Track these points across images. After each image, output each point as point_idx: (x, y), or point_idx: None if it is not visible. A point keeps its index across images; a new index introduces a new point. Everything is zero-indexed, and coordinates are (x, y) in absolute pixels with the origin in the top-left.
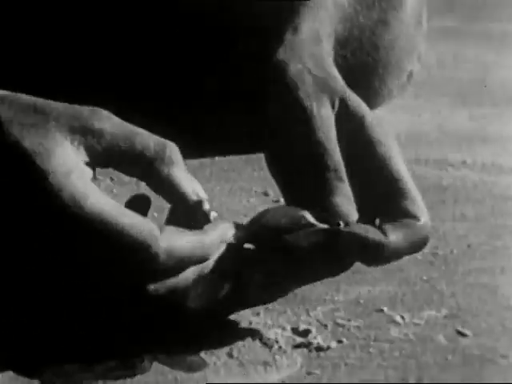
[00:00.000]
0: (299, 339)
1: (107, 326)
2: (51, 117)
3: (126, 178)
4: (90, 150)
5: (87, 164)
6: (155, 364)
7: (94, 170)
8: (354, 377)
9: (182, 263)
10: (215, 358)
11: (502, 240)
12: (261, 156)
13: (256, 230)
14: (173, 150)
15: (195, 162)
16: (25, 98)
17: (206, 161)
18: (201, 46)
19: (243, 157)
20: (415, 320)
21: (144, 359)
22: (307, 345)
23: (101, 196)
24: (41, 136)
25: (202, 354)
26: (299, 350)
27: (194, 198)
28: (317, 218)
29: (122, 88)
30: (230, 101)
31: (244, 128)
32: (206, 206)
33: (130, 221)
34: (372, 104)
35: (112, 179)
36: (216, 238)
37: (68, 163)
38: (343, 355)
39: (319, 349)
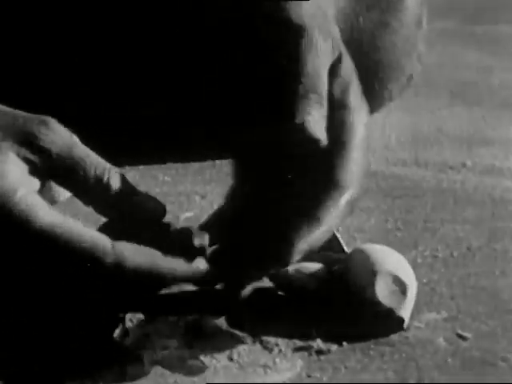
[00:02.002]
0: (299, 342)
1: (106, 330)
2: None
3: None
4: (34, 163)
5: (32, 175)
6: (155, 367)
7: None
8: (354, 379)
9: (132, 281)
10: (215, 361)
11: (502, 243)
12: None
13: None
14: (112, 174)
15: (196, 164)
16: None
17: (207, 164)
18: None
19: None
20: (415, 323)
21: (144, 362)
22: (307, 348)
23: (49, 210)
24: None
25: (202, 357)
26: (299, 353)
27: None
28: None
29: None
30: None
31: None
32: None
33: (80, 233)
34: (372, 106)
35: None
36: (177, 266)
37: (14, 179)
38: (343, 358)
39: (319, 352)
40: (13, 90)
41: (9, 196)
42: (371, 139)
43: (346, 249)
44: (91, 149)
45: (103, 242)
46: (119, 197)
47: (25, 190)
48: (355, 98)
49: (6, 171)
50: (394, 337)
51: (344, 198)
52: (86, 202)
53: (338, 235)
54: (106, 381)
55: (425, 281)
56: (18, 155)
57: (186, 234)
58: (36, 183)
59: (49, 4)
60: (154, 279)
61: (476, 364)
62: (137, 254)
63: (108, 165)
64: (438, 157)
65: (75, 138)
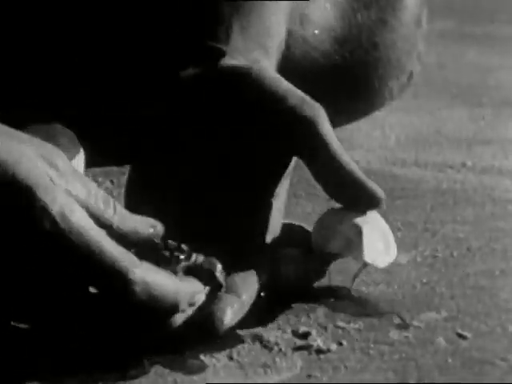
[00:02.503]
0: (299, 341)
1: (106, 329)
2: (24, 140)
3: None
4: (53, 182)
5: None
6: (155, 366)
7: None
8: (353, 379)
9: (154, 301)
10: (215, 361)
11: (502, 243)
12: None
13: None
14: (116, 203)
15: None
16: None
17: None
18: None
19: None
20: (415, 322)
21: (144, 362)
22: (307, 347)
23: (86, 217)
24: (14, 151)
25: (202, 357)
26: (299, 353)
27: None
28: None
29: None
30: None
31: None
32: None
33: (112, 246)
34: (373, 105)
35: (112, 182)
36: (190, 291)
37: (49, 182)
38: (343, 357)
39: (319, 351)
40: (13, 90)
41: (51, 191)
42: (371, 139)
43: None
44: (91, 148)
45: (133, 258)
46: (125, 222)
47: (62, 189)
48: (282, 187)
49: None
50: (394, 336)
51: None
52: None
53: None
54: (105, 380)
55: (425, 281)
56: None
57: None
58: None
59: (48, 4)
60: (171, 306)
61: (476, 363)
62: (162, 276)
63: (109, 196)
64: (437, 157)
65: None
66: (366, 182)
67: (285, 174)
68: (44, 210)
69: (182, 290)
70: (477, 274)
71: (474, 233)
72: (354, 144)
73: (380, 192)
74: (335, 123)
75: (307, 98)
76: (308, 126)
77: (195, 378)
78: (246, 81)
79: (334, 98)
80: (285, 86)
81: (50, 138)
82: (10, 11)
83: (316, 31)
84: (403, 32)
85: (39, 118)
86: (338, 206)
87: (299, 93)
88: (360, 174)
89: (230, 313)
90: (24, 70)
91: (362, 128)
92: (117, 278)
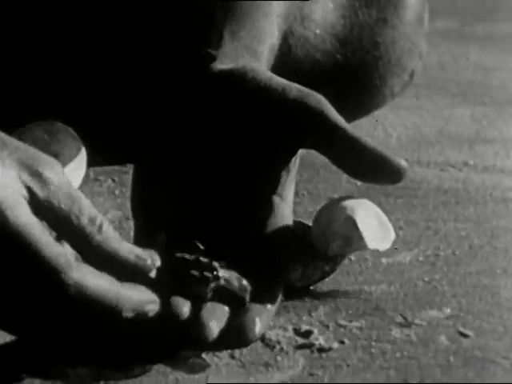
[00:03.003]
0: (301, 340)
1: (108, 328)
2: (8, 147)
3: (128, 180)
4: (31, 192)
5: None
6: (157, 365)
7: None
8: (355, 378)
9: (90, 304)
10: (217, 359)
11: (504, 241)
12: None
13: None
14: (104, 223)
15: None
16: None
17: None
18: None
19: None
20: (417, 321)
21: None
22: (309, 346)
23: (29, 214)
24: None
25: (204, 355)
26: (301, 351)
27: (132, 257)
28: None
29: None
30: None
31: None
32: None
33: (51, 244)
34: (374, 103)
35: (113, 180)
36: (135, 298)
37: (7, 180)
38: (345, 356)
39: (321, 350)
40: (14, 89)
41: None
42: (373, 138)
43: None
44: (92, 147)
45: (70, 259)
46: (107, 244)
47: (14, 190)
48: (289, 191)
49: (2, 173)
50: (396, 335)
51: None
52: (73, 245)
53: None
54: (107, 378)
55: (427, 279)
56: (20, 177)
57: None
58: (25, 204)
59: (48, 5)
60: (110, 310)
61: (478, 362)
62: (99, 277)
63: (100, 214)
64: (439, 156)
65: (72, 186)
66: (387, 155)
67: (290, 176)
68: None
69: (122, 297)
70: (479, 273)
71: (476, 231)
72: None
73: (403, 162)
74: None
75: (304, 88)
76: (316, 114)
77: (197, 376)
78: (242, 82)
79: (335, 97)
80: (280, 81)
81: (51, 135)
82: (10, 11)
83: (317, 31)
84: (404, 31)
85: (40, 117)
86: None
87: (296, 85)
88: (380, 148)
89: (259, 322)
90: (25, 69)
91: (363, 127)
92: (50, 278)
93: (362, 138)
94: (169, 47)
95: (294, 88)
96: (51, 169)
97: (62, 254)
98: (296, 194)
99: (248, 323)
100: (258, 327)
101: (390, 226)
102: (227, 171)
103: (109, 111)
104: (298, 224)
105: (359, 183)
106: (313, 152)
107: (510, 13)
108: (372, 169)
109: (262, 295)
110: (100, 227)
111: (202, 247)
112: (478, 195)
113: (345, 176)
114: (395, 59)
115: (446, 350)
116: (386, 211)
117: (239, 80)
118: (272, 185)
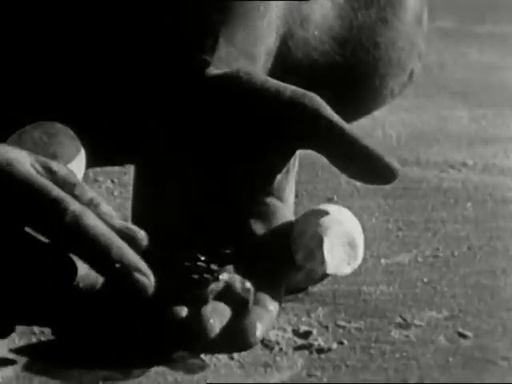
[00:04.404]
0: (300, 341)
1: (107, 329)
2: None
3: (127, 180)
4: (39, 171)
5: None
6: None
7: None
8: (354, 378)
9: (83, 239)
10: (216, 360)
11: (503, 242)
12: None
13: None
14: (102, 203)
15: None
16: None
17: None
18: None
19: None
20: (416, 322)
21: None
22: (308, 346)
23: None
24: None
25: (203, 356)
26: (300, 352)
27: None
28: None
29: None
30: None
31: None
32: None
33: (50, 186)
34: (373, 104)
35: (112, 181)
36: (129, 254)
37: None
38: (344, 357)
39: (320, 350)
40: (13, 90)
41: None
42: (372, 138)
43: None
44: (92, 148)
45: (69, 199)
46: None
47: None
48: (290, 192)
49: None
50: (395, 336)
51: None
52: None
53: None
54: (106, 379)
55: (426, 280)
56: (32, 164)
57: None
58: None
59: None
60: (105, 248)
61: (477, 363)
62: (99, 222)
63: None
64: (438, 156)
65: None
66: (381, 156)
67: (289, 178)
68: None
69: (115, 243)
70: (478, 273)
71: (475, 232)
72: None
73: (396, 164)
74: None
75: (299, 89)
76: (311, 113)
77: (196, 377)
78: (236, 86)
79: (335, 98)
80: (275, 83)
81: (50, 136)
82: (11, 11)
83: (316, 32)
84: (404, 31)
85: (40, 117)
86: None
87: (290, 86)
88: (375, 148)
89: (261, 326)
90: (25, 69)
91: (362, 127)
92: (49, 207)
93: (357, 135)
94: (164, 51)
95: (289, 89)
96: (59, 166)
97: (62, 194)
98: (295, 194)
99: (249, 327)
100: (260, 331)
101: (360, 246)
102: (225, 175)
103: (108, 112)
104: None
105: (358, 184)
106: (312, 153)
107: (509, 13)
108: (366, 168)
109: (264, 298)
110: (97, 205)
111: (202, 258)
112: (478, 195)
113: (344, 177)
114: (395, 59)
115: (445, 350)
116: (384, 212)
117: (233, 84)
118: (271, 187)
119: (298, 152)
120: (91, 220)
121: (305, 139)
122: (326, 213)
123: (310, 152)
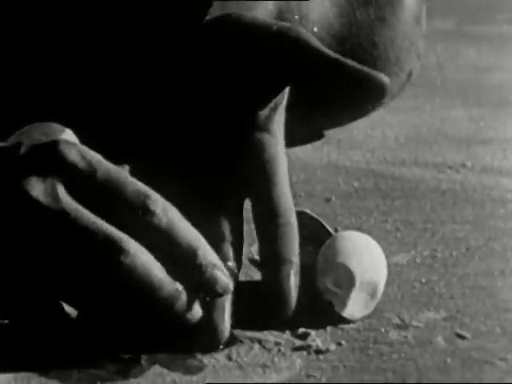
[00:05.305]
0: (298, 342)
1: (106, 329)
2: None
3: None
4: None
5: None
6: (154, 366)
7: None
8: (353, 379)
9: (142, 278)
10: (214, 361)
11: (501, 243)
12: None
13: None
14: (153, 197)
15: None
16: None
17: None
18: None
19: None
20: (414, 322)
21: (142, 362)
22: (306, 347)
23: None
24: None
25: (201, 357)
26: (298, 353)
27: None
28: None
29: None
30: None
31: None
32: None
33: (102, 224)
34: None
35: None
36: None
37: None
38: (342, 358)
39: (318, 351)
40: (12, 90)
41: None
42: (370, 139)
43: (331, 231)
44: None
45: (121, 235)
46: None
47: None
48: (278, 126)
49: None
50: (393, 336)
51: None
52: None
53: (322, 221)
54: (103, 380)
55: (424, 281)
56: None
57: None
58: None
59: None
60: (157, 285)
61: (475, 364)
62: (151, 261)
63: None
64: (437, 157)
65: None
66: (369, 71)
67: (277, 112)
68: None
69: (164, 280)
70: (476, 274)
71: (474, 233)
72: (354, 144)
73: (385, 77)
74: (335, 122)
75: (285, 23)
76: (299, 43)
77: (194, 378)
78: (228, 26)
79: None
80: (262, 19)
81: (48, 137)
82: (10, 11)
83: (315, 29)
84: (402, 30)
85: (40, 117)
86: (344, 233)
87: (276, 21)
88: (361, 65)
89: (293, 283)
90: (24, 69)
91: (361, 127)
92: (107, 248)
93: (342, 57)
94: (159, 11)
95: (275, 23)
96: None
97: (115, 230)
98: (294, 195)
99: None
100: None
101: (379, 296)
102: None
103: (108, 112)
104: (301, 214)
105: (356, 184)
106: (310, 153)
107: (508, 13)
108: (357, 86)
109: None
110: (152, 211)
111: None
112: (476, 196)
113: (342, 177)
114: (393, 58)
115: (444, 351)
116: (383, 212)
117: (225, 25)
118: (258, 121)
119: (297, 151)
120: (145, 257)
121: (295, 70)
122: (368, 252)
123: (309, 153)
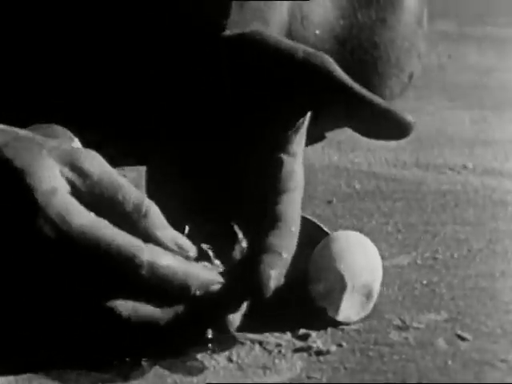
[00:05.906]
0: (299, 343)
1: (106, 330)
2: (46, 146)
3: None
4: (74, 187)
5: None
6: (155, 368)
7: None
8: (353, 380)
9: (163, 283)
10: (214, 362)
11: (502, 244)
12: None
13: None
14: (150, 208)
15: None
16: (22, 131)
17: None
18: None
19: None
20: (415, 324)
21: (143, 363)
22: (307, 349)
23: (85, 211)
24: (32, 158)
25: (201, 358)
26: (299, 354)
27: (174, 247)
28: None
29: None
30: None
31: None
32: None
33: (117, 234)
34: None
35: None
36: (202, 277)
37: (55, 183)
38: (343, 359)
39: (319, 352)
40: (13, 91)
41: (48, 194)
42: (371, 141)
43: (327, 231)
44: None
45: (136, 243)
46: (151, 231)
47: (64, 192)
48: (297, 147)
49: (49, 176)
50: (394, 338)
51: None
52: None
53: (318, 223)
54: (104, 382)
55: (425, 282)
56: (61, 172)
57: None
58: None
59: (49, 5)
60: (180, 287)
61: (476, 365)
62: (169, 257)
63: (146, 199)
64: (438, 159)
65: (114, 171)
66: (394, 110)
67: (299, 134)
68: (42, 213)
69: (191, 273)
70: (477, 276)
71: (475, 234)
72: (355, 145)
73: (410, 117)
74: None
75: (311, 49)
76: (323, 73)
77: (195, 379)
78: (251, 46)
79: None
80: (288, 42)
81: (49, 138)
82: (11, 11)
83: (317, 31)
84: (403, 31)
85: (41, 118)
86: (335, 234)
87: (303, 46)
88: (387, 104)
89: (274, 274)
90: (26, 69)
91: None
92: (124, 265)
93: (369, 94)
94: (178, 18)
95: (301, 49)
96: (91, 161)
97: (127, 236)
98: None
99: (263, 277)
100: (275, 279)
101: (375, 296)
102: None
103: (110, 113)
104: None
105: (357, 186)
106: (311, 155)
107: (509, 14)
108: (380, 123)
109: (277, 244)
110: (146, 214)
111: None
112: (477, 198)
113: (344, 179)
114: (394, 59)
115: (444, 352)
116: (384, 214)
117: (248, 44)
118: (278, 142)
119: None
120: (164, 260)
121: (316, 99)
122: (360, 254)
123: (310, 154)
